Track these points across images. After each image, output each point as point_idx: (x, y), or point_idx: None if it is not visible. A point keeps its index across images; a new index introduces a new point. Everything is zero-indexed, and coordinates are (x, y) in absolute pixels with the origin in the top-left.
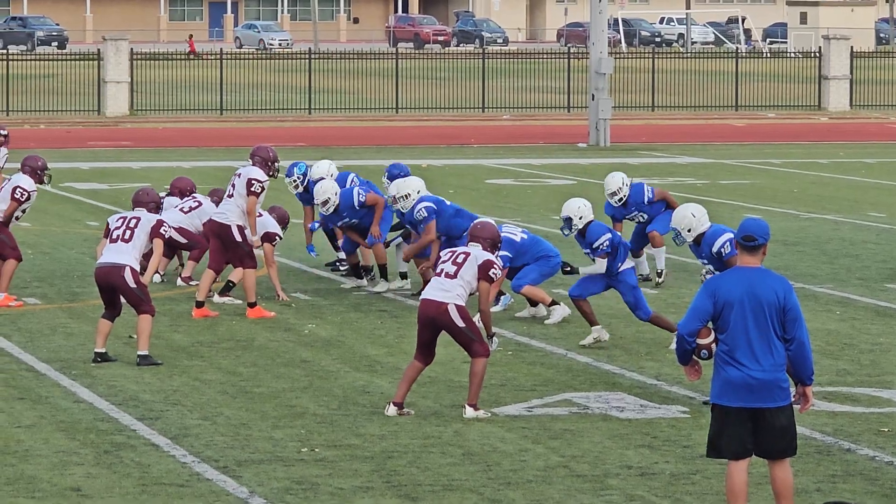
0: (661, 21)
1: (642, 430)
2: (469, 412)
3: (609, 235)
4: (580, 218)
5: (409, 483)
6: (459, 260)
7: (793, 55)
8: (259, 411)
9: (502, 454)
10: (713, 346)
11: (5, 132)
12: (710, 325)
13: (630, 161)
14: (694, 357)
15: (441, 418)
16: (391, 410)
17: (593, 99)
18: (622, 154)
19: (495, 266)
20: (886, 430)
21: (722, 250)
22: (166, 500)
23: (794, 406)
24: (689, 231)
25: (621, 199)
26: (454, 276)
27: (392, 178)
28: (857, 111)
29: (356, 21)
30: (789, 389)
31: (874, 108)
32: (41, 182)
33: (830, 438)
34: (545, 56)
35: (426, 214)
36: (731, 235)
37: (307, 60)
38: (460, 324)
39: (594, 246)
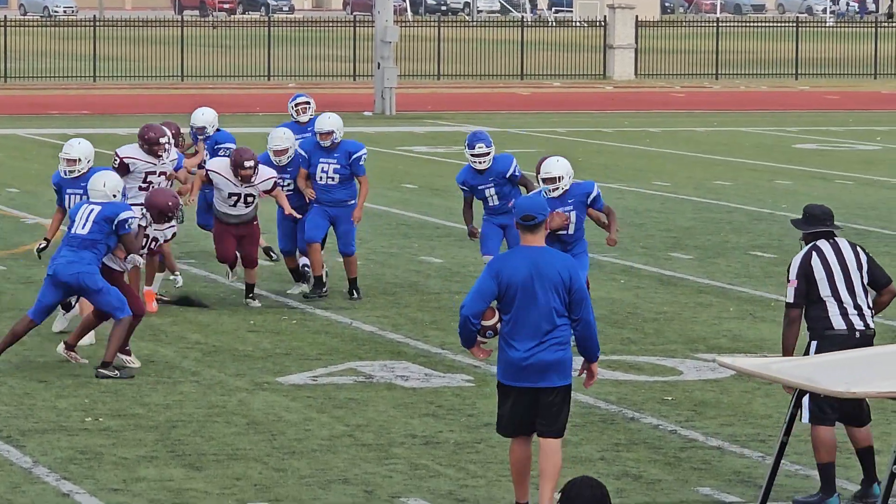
0: None
1: (427, 399)
2: None
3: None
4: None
5: (194, 453)
6: None
7: (578, 24)
8: (43, 380)
9: (287, 423)
10: (498, 325)
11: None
12: (493, 304)
13: (416, 129)
14: (479, 338)
15: (225, 388)
16: None
17: (379, 67)
18: (408, 122)
19: None
20: (670, 398)
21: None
22: None
23: (581, 378)
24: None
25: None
26: None
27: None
28: (642, 80)
29: None
30: (570, 370)
31: (659, 77)
32: (153, 155)
33: (614, 407)
34: (331, 24)
35: None
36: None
37: (92, 28)
38: None
39: None
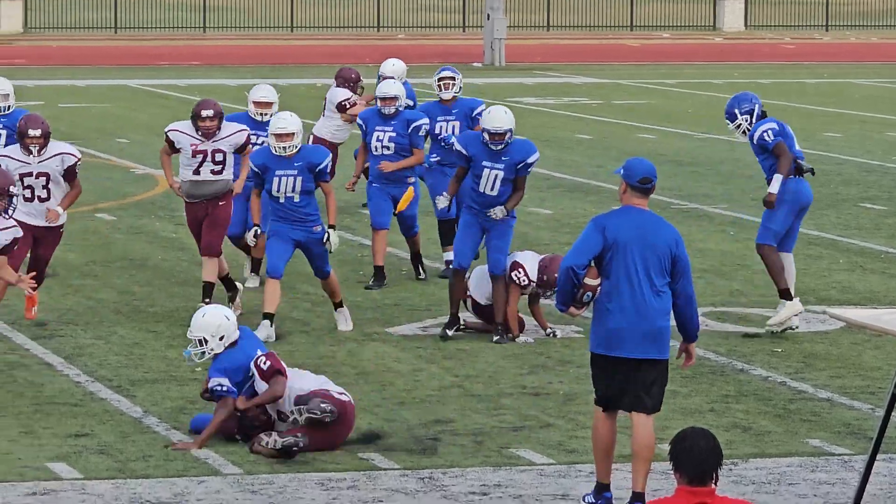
0: None
1: (536, 350)
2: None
3: None
4: None
5: None
6: None
7: None
8: (153, 330)
9: (396, 374)
10: (599, 288)
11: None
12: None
13: (525, 81)
14: (574, 301)
15: (335, 339)
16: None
17: (489, 18)
18: (517, 74)
19: None
20: (780, 350)
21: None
22: (60, 419)
23: (677, 362)
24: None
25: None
26: None
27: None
28: (751, 31)
29: None
30: (668, 344)
31: (769, 29)
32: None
33: (724, 359)
34: None
35: None
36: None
37: None
38: None
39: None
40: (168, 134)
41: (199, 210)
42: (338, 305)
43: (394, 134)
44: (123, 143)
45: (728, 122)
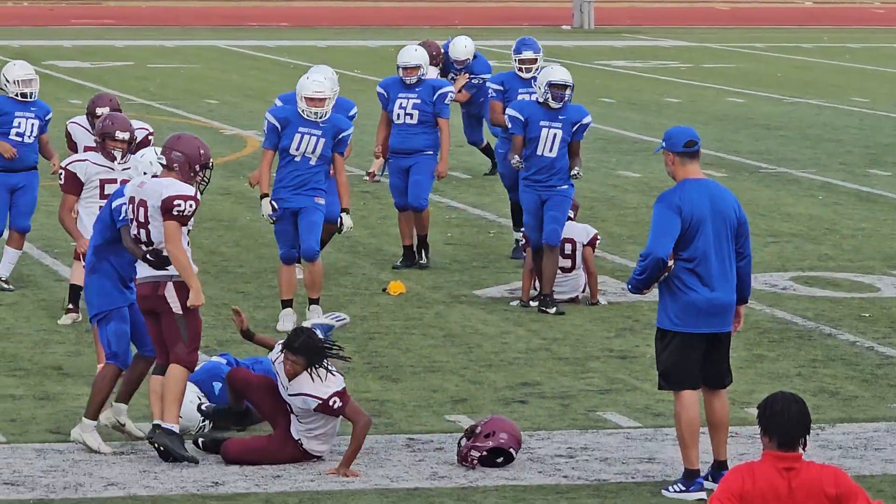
0: None
1: (624, 314)
2: None
3: None
4: None
5: (391, 364)
6: None
7: None
8: (241, 291)
9: (484, 336)
10: (671, 264)
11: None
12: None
13: (614, 44)
14: None
15: (423, 301)
16: None
17: None
18: (606, 37)
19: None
20: (867, 315)
21: None
22: (146, 379)
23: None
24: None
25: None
26: None
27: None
28: None
29: None
30: None
31: None
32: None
33: (812, 323)
34: None
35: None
36: None
37: None
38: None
39: None
40: (67, 126)
41: None
42: (313, 301)
43: (418, 101)
44: (212, 104)
45: None
